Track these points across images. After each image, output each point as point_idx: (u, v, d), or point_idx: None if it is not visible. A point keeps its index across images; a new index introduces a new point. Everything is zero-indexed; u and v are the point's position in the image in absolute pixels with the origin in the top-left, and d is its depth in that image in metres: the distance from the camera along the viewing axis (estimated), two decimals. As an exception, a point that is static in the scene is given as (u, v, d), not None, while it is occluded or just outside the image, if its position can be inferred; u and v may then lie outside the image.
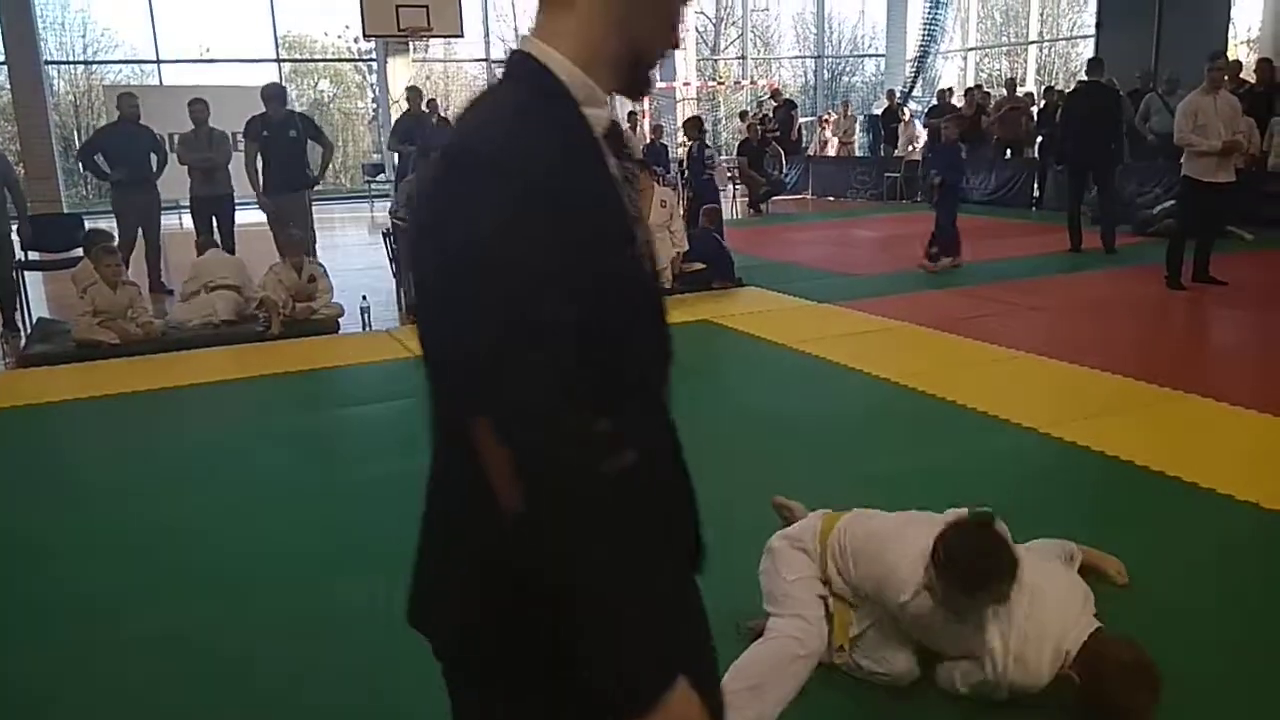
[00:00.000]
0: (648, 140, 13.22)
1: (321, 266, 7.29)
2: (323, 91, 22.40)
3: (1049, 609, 2.24)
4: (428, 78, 19.83)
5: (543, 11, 1.07)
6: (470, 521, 1.05)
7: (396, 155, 10.50)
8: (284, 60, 18.11)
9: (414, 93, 10.78)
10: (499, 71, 1.11)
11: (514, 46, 1.10)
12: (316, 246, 8.14)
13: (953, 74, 19.70)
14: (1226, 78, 7.43)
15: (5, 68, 14.01)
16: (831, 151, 16.99)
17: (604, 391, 0.98)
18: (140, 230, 8.32)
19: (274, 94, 8.07)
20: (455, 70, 21.97)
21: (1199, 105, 6.93)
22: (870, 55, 22.34)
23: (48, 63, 15.39)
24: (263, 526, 3.57)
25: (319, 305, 7.02)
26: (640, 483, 1.00)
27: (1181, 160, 7.14)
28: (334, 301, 7.13)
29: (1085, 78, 9.36)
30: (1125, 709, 2.11)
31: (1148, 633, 2.34)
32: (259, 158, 8.00)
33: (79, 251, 6.96)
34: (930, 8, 17.92)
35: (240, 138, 8.21)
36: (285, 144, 7.98)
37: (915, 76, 18.23)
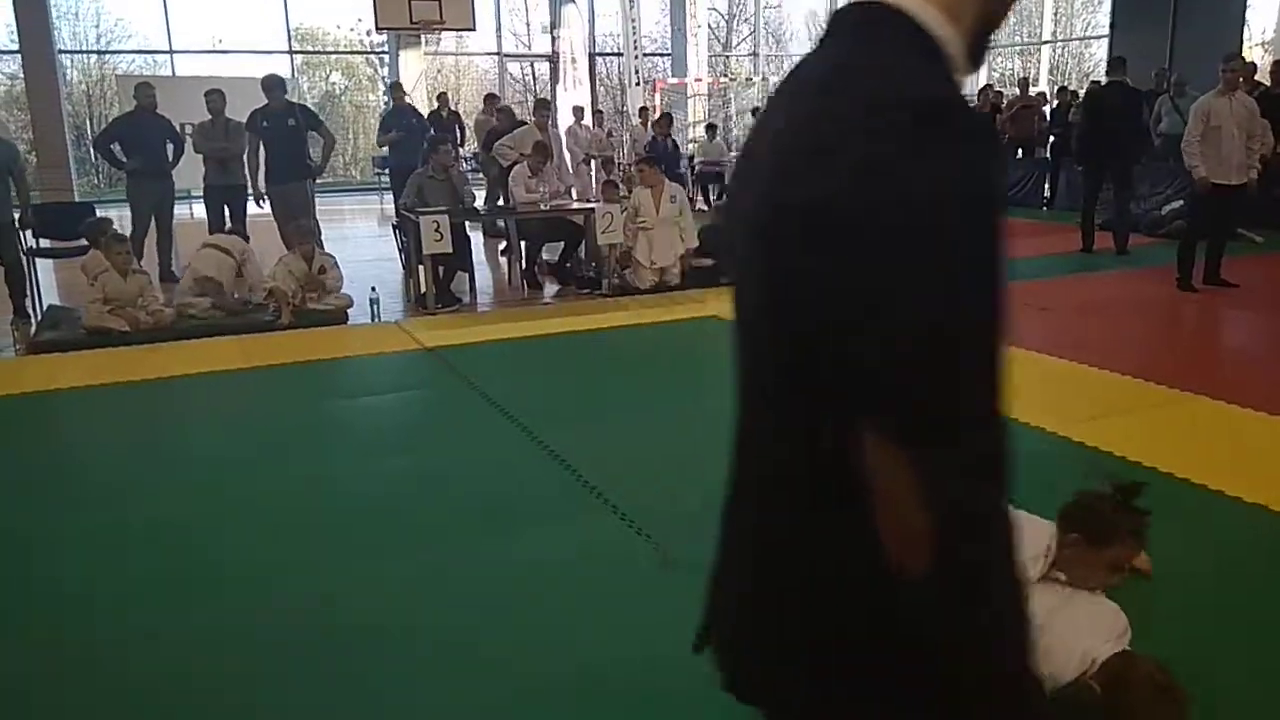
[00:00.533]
0: (650, 137, 13.20)
1: (331, 257, 7.31)
2: (334, 84, 22.44)
3: (1083, 618, 2.25)
4: (439, 71, 19.86)
5: None
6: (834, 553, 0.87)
7: (387, 149, 10.64)
8: (296, 52, 18.14)
9: (397, 88, 11.03)
10: (826, 28, 0.90)
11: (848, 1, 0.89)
12: (322, 237, 8.14)
13: (965, 73, 19.59)
14: (1241, 79, 7.38)
15: (19, 56, 14.05)
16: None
17: (996, 404, 0.83)
18: (154, 219, 8.36)
19: (273, 84, 8.15)
20: (466, 64, 21.98)
21: (1212, 107, 6.89)
22: (883, 53, 22.23)
23: (61, 52, 15.44)
24: (267, 520, 3.58)
25: (328, 296, 7.04)
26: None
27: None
28: (343, 293, 7.15)
29: (1106, 77, 9.32)
30: None
31: (1152, 632, 2.33)
32: (260, 150, 8.10)
33: (91, 239, 6.98)
34: (943, 6, 17.83)
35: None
36: (285, 134, 8.05)
37: (927, 75, 18.14)
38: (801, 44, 22.96)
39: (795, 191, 0.82)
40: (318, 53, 21.37)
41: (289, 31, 17.28)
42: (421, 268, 7.31)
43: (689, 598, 2.92)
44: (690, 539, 3.19)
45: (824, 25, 0.91)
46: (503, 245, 9.35)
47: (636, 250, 7.79)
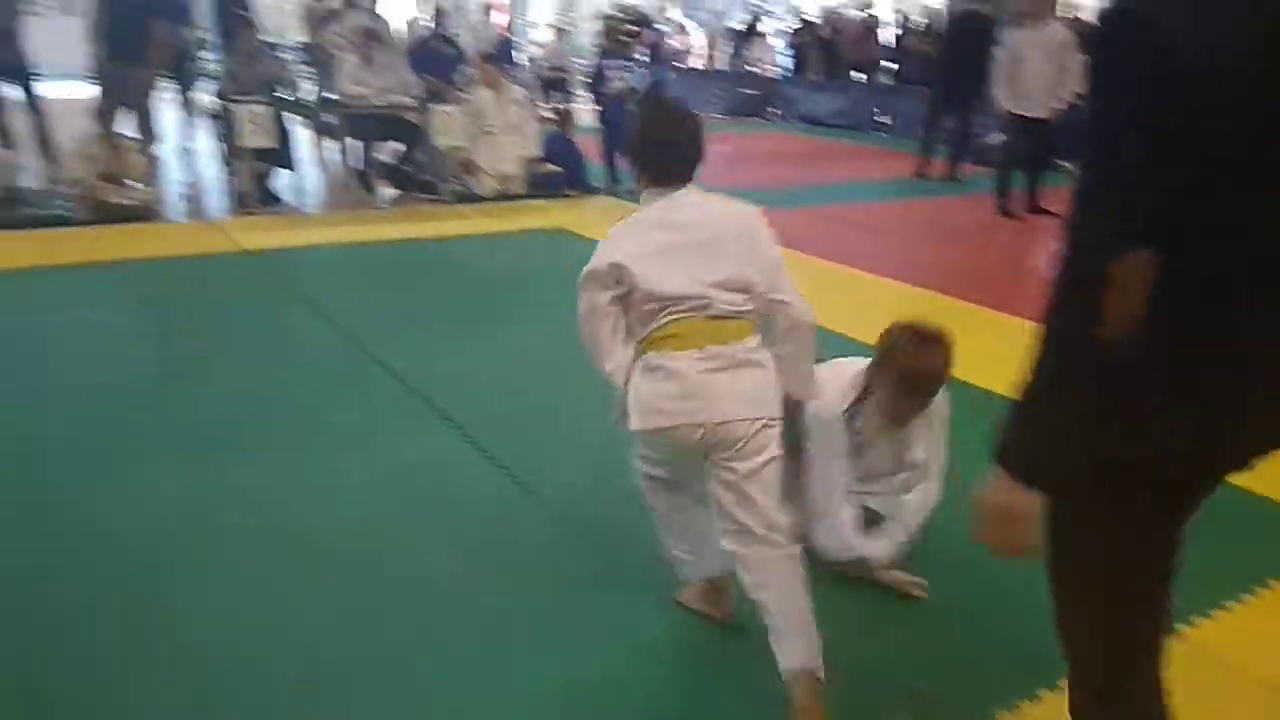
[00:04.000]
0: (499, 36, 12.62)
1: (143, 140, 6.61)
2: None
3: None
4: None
5: None
6: None
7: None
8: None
9: None
10: None
11: None
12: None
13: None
14: (1051, 9, 7.34)
15: None
16: (698, 64, 16.83)
17: None
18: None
19: None
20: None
21: (1016, 37, 7.14)
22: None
23: None
24: (93, 432, 3.26)
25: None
26: None
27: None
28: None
29: (964, 4, 9.39)
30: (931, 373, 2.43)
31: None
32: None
33: None
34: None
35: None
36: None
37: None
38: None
39: None
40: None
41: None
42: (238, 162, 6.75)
43: (534, 514, 2.77)
44: (529, 457, 3.13)
45: None
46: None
47: (478, 155, 7.48)
